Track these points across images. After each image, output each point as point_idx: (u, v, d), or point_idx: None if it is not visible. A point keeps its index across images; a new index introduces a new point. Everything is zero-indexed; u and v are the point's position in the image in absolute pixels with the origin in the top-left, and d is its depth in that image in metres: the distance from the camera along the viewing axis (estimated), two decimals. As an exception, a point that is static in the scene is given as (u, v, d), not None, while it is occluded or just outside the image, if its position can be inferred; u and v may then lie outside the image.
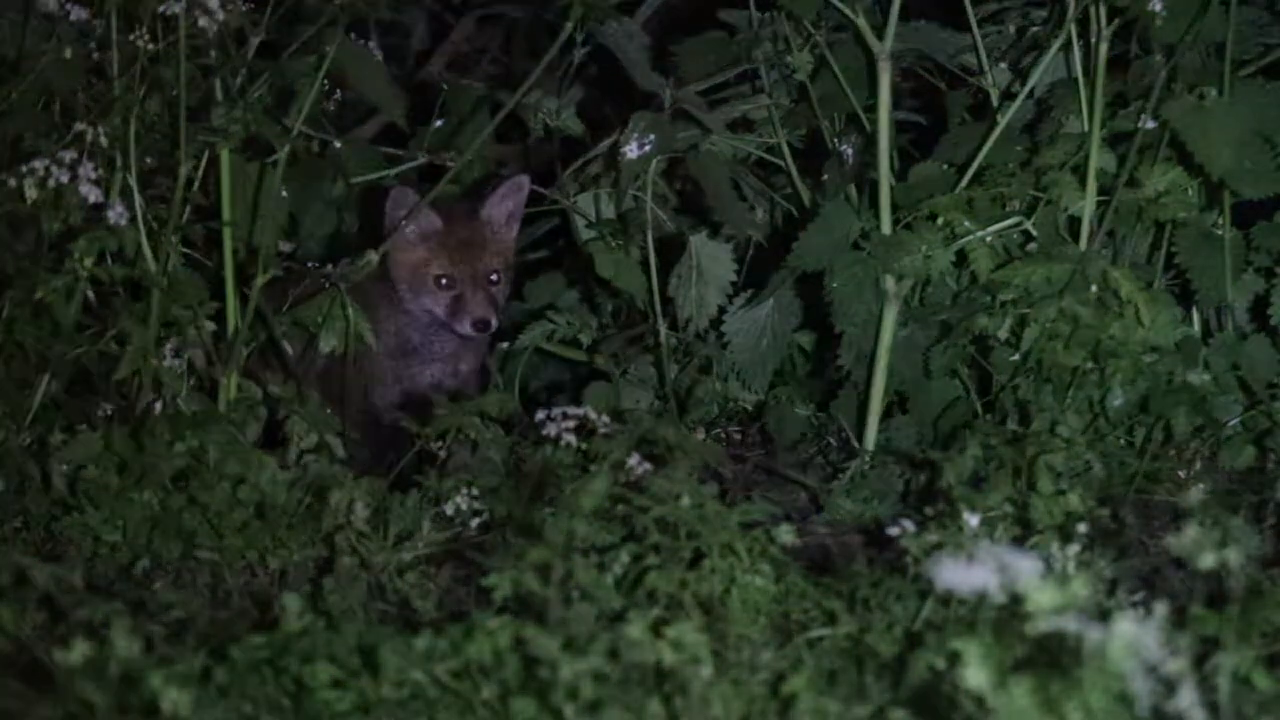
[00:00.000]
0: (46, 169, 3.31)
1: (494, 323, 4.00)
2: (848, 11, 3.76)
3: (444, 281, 4.00)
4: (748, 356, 4.09)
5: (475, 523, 3.38)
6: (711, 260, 4.12)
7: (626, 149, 4.00)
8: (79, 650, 2.54)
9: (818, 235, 3.81)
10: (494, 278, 4.02)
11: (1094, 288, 3.61)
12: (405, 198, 3.93)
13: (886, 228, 3.79)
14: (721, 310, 4.11)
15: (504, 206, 4.05)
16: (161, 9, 3.34)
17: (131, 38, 3.37)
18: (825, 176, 3.96)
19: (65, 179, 3.31)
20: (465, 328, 3.99)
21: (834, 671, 3.08)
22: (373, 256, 3.88)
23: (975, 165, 3.75)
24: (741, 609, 3.06)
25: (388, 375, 4.08)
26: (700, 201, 4.18)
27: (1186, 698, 2.35)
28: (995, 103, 3.86)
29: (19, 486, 3.45)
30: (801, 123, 4.03)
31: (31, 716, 2.84)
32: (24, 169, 3.32)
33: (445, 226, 4.01)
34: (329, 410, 3.78)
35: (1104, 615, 2.26)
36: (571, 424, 3.30)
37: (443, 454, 3.52)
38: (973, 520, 3.14)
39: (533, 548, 3.04)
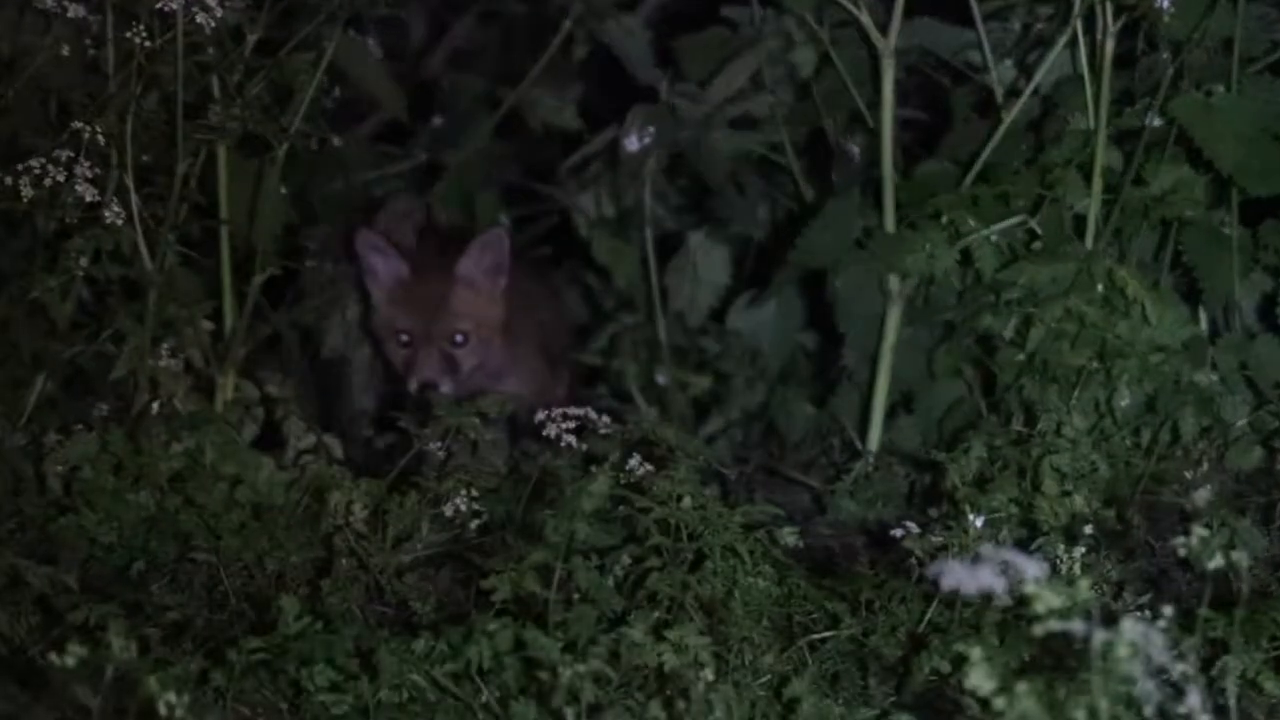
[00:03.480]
0: (42, 167, 3.29)
1: (442, 385, 3.89)
2: (851, 8, 3.75)
3: (403, 338, 3.93)
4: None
5: (475, 524, 3.37)
6: (707, 260, 4.12)
7: (626, 141, 3.99)
8: (74, 652, 2.52)
9: (821, 233, 3.80)
10: (457, 338, 3.94)
11: (1100, 287, 3.59)
12: (372, 240, 3.88)
13: (890, 226, 3.78)
14: (717, 310, 4.10)
15: (481, 262, 3.92)
16: (159, 5, 3.32)
17: (129, 34, 3.35)
18: (834, 176, 3.95)
19: (61, 177, 3.30)
20: (412, 386, 3.90)
21: (837, 674, 3.08)
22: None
23: (980, 163, 3.74)
24: (744, 611, 3.05)
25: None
26: (700, 200, 4.18)
27: (1194, 701, 2.33)
28: (1000, 100, 3.84)
29: (14, 487, 3.43)
30: (805, 120, 4.02)
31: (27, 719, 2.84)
32: (20, 167, 3.30)
33: (412, 278, 3.93)
34: None
35: (1110, 617, 2.24)
36: (571, 424, 3.28)
37: (442, 455, 3.50)
38: (977, 522, 3.12)
39: (533, 549, 3.04)
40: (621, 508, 3.12)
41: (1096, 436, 3.56)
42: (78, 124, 3.33)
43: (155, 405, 3.49)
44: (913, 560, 3.15)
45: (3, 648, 3.08)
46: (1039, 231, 3.69)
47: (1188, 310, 3.68)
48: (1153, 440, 3.59)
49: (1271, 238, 3.68)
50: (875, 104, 3.82)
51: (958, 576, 2.22)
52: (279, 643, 2.93)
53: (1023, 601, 2.26)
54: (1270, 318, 3.71)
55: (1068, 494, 3.33)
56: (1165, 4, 3.53)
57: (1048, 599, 2.22)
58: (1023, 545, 3.20)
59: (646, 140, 4.01)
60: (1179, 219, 3.67)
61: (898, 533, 3.16)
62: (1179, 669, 2.35)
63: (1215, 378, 3.64)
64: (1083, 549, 3.14)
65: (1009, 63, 3.87)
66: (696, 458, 3.30)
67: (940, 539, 3.13)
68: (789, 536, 3.16)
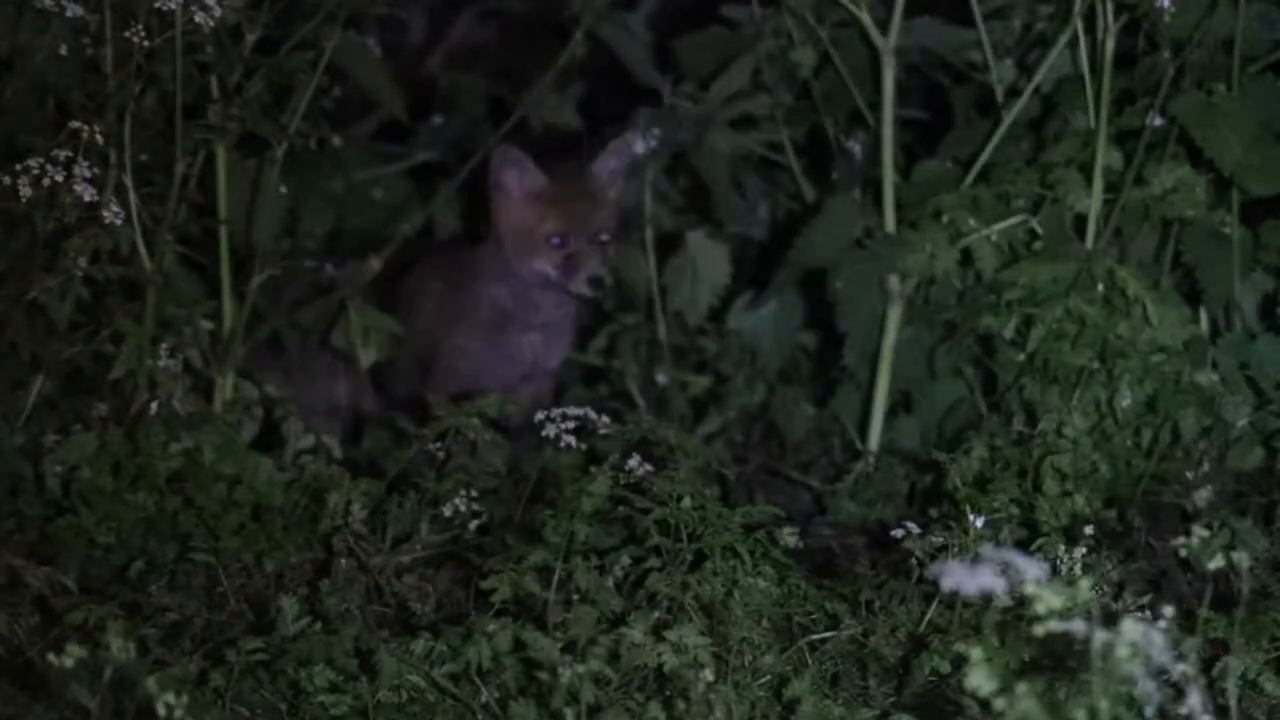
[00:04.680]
0: (41, 167, 3.29)
1: (605, 278, 3.97)
2: (851, 7, 3.74)
3: (556, 240, 3.96)
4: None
5: (474, 525, 3.36)
6: (707, 260, 4.11)
7: (633, 143, 3.98)
8: (73, 653, 2.51)
9: (821, 232, 3.80)
10: (604, 236, 3.98)
11: (1100, 287, 3.59)
12: (510, 154, 3.91)
13: (891, 226, 3.77)
14: (716, 310, 4.10)
15: (610, 164, 3.99)
16: (158, 4, 3.31)
17: (127, 34, 3.34)
18: (835, 175, 3.94)
19: (60, 177, 3.29)
20: (579, 285, 3.94)
21: (837, 675, 3.07)
22: (375, 263, 3.86)
23: (980, 163, 3.74)
24: (744, 612, 3.04)
25: (477, 355, 4.05)
26: (701, 199, 4.17)
27: (1194, 702, 2.32)
28: (1000, 99, 3.83)
29: (13, 487, 3.43)
30: (805, 120, 4.01)
31: (25, 720, 2.84)
32: (18, 167, 3.30)
33: (552, 183, 3.97)
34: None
35: (1111, 618, 2.23)
36: (571, 425, 3.27)
37: (441, 455, 3.49)
38: (978, 522, 3.12)
39: (532, 550, 3.03)
40: (621, 508, 3.12)
41: (1097, 437, 3.56)
42: (76, 123, 3.33)
43: (154, 405, 3.49)
44: (913, 561, 3.14)
45: (2, 648, 3.08)
46: (1039, 231, 3.68)
47: (1188, 310, 3.67)
48: (1153, 440, 3.59)
49: (1272, 237, 3.68)
50: (875, 103, 3.81)
51: (958, 577, 2.21)
52: (278, 643, 2.93)
53: (1023, 602, 2.26)
54: (1271, 318, 3.70)
55: (1068, 494, 3.32)
56: (1166, 3, 3.52)
57: (1048, 599, 2.22)
58: (1023, 546, 3.20)
59: (652, 142, 4.00)
60: (1180, 219, 3.66)
61: (898, 533, 3.16)
62: (1179, 669, 2.34)
63: (1216, 378, 3.63)
64: (1083, 549, 3.13)
65: (1009, 62, 3.87)
66: (696, 458, 3.30)
67: (941, 539, 3.13)
68: (789, 537, 3.15)
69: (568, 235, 3.94)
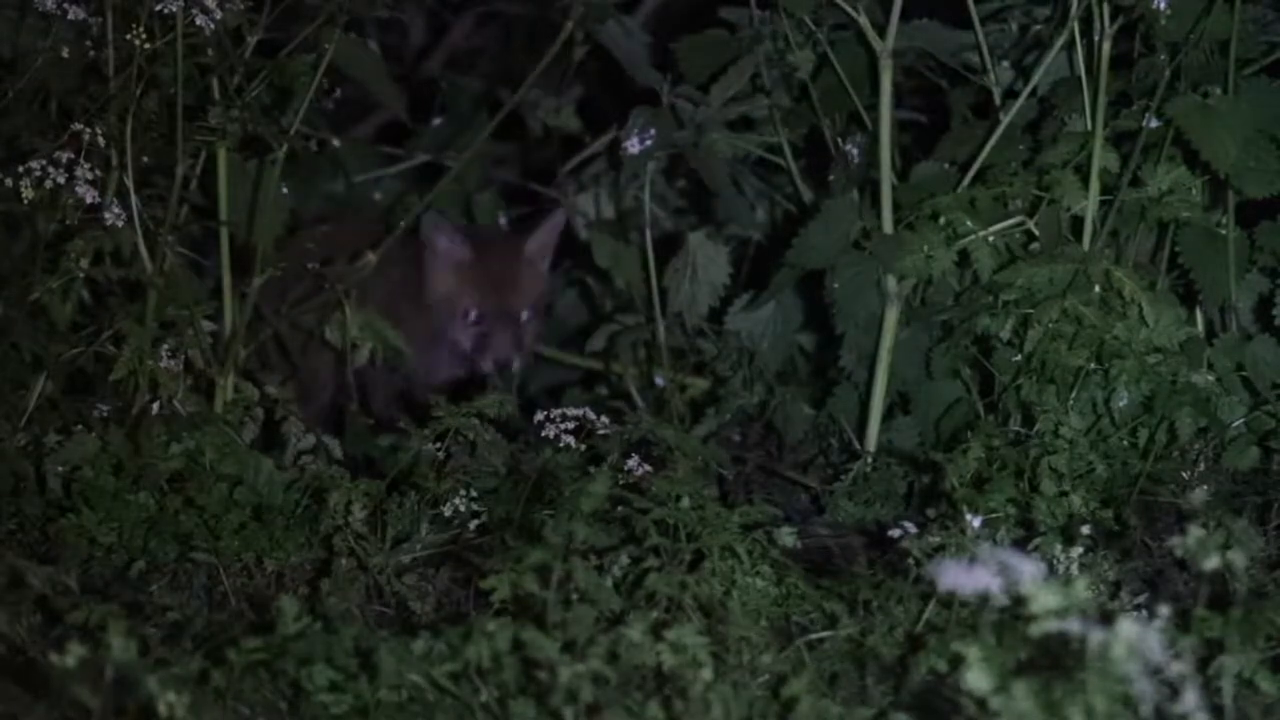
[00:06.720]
0: (43, 169, 3.30)
1: (516, 363, 3.99)
2: (849, 9, 3.75)
3: (473, 316, 4.01)
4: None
5: (474, 525, 3.37)
6: (707, 260, 4.12)
7: (628, 144, 3.99)
8: (75, 653, 2.52)
9: (818, 233, 3.81)
10: (524, 315, 4.02)
11: (1097, 288, 3.60)
12: (438, 222, 3.94)
13: (888, 227, 3.78)
14: (714, 310, 4.11)
15: (544, 241, 4.09)
16: (159, 7, 3.32)
17: (129, 36, 3.36)
18: (832, 177, 3.95)
19: (62, 179, 3.30)
20: (487, 365, 4.00)
21: (835, 674, 3.08)
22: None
23: (977, 164, 3.74)
24: (742, 611, 3.05)
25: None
26: (700, 200, 4.18)
27: (1190, 701, 2.33)
28: (998, 101, 3.84)
29: (14, 488, 3.43)
30: (803, 122, 4.02)
31: None
32: (20, 169, 3.31)
33: (476, 258, 4.00)
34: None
35: (1107, 617, 2.24)
36: (570, 425, 3.28)
37: (441, 455, 3.50)
38: (975, 522, 3.13)
39: (532, 550, 3.04)
40: (620, 508, 3.12)
41: (1094, 437, 3.57)
42: (78, 126, 3.34)
43: (155, 406, 3.50)
44: (910, 560, 3.15)
45: (3, 648, 3.08)
46: (1036, 233, 3.69)
47: (1184, 311, 3.68)
48: (1150, 440, 3.60)
49: (1268, 239, 3.69)
50: (873, 105, 3.82)
51: (955, 576, 2.23)
52: (278, 643, 2.93)
53: (1020, 601, 2.27)
54: (1266, 318, 3.71)
55: (1065, 494, 3.33)
56: (1162, 5, 3.54)
57: (1045, 599, 2.23)
58: (1020, 545, 3.21)
59: (648, 142, 4.01)
60: (1176, 220, 3.67)
61: (896, 533, 3.17)
62: (1175, 668, 2.35)
63: (1212, 378, 3.64)
64: (1080, 549, 3.14)
65: (1006, 64, 3.88)
66: (695, 458, 3.31)
67: (938, 539, 3.13)
68: (787, 537, 3.16)
69: (484, 313, 3.99)
